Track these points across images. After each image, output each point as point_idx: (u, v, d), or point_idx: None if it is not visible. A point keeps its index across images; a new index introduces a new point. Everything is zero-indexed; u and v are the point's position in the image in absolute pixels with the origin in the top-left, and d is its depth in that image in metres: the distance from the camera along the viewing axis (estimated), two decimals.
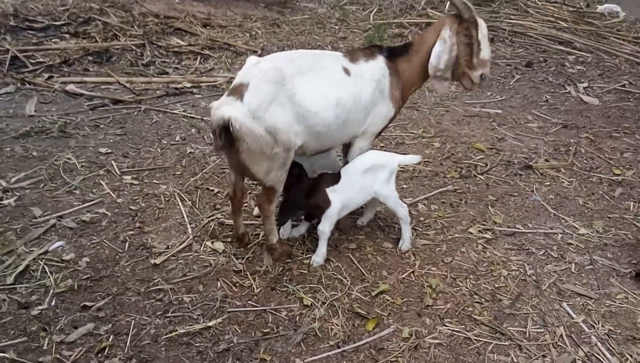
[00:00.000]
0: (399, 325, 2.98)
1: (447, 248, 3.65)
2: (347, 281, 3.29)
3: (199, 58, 7.00)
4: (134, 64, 6.60)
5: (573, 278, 3.44)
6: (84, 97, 5.58)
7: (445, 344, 2.88)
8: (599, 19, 9.97)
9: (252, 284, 3.23)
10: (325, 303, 3.10)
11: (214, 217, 3.80)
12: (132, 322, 2.90)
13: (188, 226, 3.72)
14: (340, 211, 3.38)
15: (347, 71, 3.23)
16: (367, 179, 3.40)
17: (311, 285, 3.24)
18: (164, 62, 6.81)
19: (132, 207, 3.88)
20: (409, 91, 3.57)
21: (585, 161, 4.96)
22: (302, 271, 3.36)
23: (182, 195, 4.06)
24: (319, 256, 3.41)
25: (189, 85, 6.11)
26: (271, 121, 2.94)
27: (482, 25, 3.33)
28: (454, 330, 2.97)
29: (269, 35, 8.33)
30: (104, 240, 3.53)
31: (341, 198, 3.35)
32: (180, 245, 3.52)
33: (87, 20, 7.82)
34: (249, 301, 3.10)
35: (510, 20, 9.69)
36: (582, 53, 8.39)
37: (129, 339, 2.79)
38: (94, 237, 3.56)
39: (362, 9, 10.27)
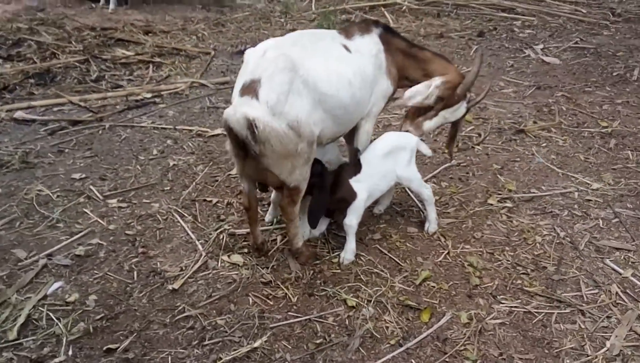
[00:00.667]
0: (453, 311, 2.81)
1: (472, 223, 3.52)
2: (386, 273, 3.09)
3: (151, 67, 6.56)
4: (82, 81, 6.08)
5: (605, 234, 3.39)
6: (37, 123, 5.05)
7: (508, 322, 2.73)
8: None
9: (286, 294, 2.95)
10: (370, 301, 2.88)
11: (222, 229, 3.49)
12: (169, 358, 2.56)
13: (197, 242, 3.38)
14: (366, 202, 3.17)
15: (347, 48, 3.04)
16: (388, 163, 3.20)
17: (349, 284, 3.01)
18: (114, 75, 6.32)
19: (128, 232, 3.50)
20: (404, 73, 3.34)
21: (570, 118, 4.98)
22: (334, 271, 3.12)
23: (180, 211, 3.71)
24: (349, 252, 3.18)
25: (149, 95, 5.68)
26: (292, 115, 2.68)
27: (460, 111, 3.40)
28: (512, 307, 2.83)
29: (217, 35, 7.96)
30: (108, 273, 3.14)
31: (366, 187, 3.14)
32: (194, 264, 3.19)
33: (18, 42, 7.17)
34: (289, 313, 2.83)
35: None
36: (527, 17, 8.56)
37: None
38: (95, 271, 3.16)
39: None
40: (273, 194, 3.53)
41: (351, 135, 3.37)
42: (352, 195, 3.11)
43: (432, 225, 3.42)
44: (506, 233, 3.42)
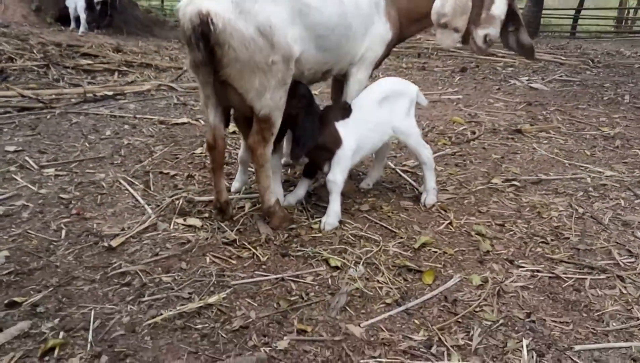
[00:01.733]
0: (463, 274, 2.23)
1: (476, 199, 3.00)
2: (377, 238, 2.51)
3: (116, 74, 6.10)
4: (39, 82, 5.55)
5: (629, 211, 2.90)
6: None
7: (532, 286, 2.17)
8: None
9: (254, 253, 2.34)
10: (359, 262, 2.28)
11: (179, 196, 2.88)
12: (92, 313, 1.90)
13: (146, 207, 2.77)
14: (353, 155, 2.63)
15: None
16: (383, 112, 2.70)
17: (333, 247, 2.41)
18: (75, 78, 5.82)
19: (62, 196, 2.87)
20: (407, 23, 2.88)
21: (568, 125, 4.64)
22: (313, 235, 2.53)
23: (130, 180, 3.11)
24: (332, 215, 2.59)
25: (110, 93, 5.17)
26: (263, 17, 2.17)
27: None
28: (534, 270, 2.27)
29: None
30: (28, 231, 2.49)
31: (355, 134, 2.61)
32: (140, 225, 2.56)
33: None
34: (257, 272, 2.21)
35: (429, 40, 9.78)
36: (508, 60, 8.51)
37: (90, 334, 1.79)
38: (13, 229, 2.51)
39: None
40: (241, 152, 2.96)
41: (341, 88, 2.89)
42: (337, 142, 2.58)
43: (430, 196, 2.88)
44: (516, 208, 2.91)
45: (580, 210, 2.89)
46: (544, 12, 14.89)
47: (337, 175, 2.57)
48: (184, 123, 4.26)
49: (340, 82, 2.91)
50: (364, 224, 2.66)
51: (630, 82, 6.65)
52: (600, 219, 2.78)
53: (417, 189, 3.12)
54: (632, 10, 17.75)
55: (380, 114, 2.68)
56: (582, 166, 3.57)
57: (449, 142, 4.02)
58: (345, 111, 2.65)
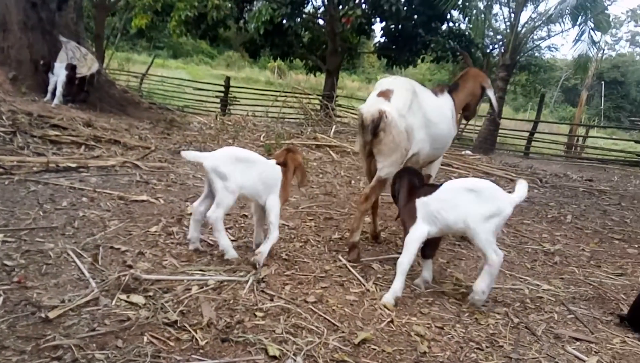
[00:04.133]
0: None
1: (420, 301, 3.09)
2: (320, 330, 2.54)
3: (83, 147, 6.16)
4: (3, 148, 5.55)
5: (562, 325, 3.04)
6: None
7: None
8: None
9: (194, 337, 2.33)
10: (298, 354, 2.30)
11: (126, 273, 2.87)
12: None
13: (91, 280, 2.75)
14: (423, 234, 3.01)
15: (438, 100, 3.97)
16: (464, 201, 2.94)
17: (275, 336, 2.43)
18: (41, 147, 5.85)
19: (6, 262, 2.83)
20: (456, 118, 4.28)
21: (512, 238, 4.88)
22: (256, 322, 2.55)
23: (78, 252, 3.10)
24: (390, 291, 2.99)
25: (73, 165, 5.20)
26: (409, 122, 3.51)
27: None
28: None
29: (160, 139, 7.78)
30: None
31: (429, 214, 3.00)
32: (81, 298, 2.54)
33: None
34: (193, 355, 2.20)
35: None
36: (462, 171, 8.98)
37: None
38: None
39: (251, 133, 10.26)
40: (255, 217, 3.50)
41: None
42: (412, 216, 3.01)
43: (474, 296, 3.03)
44: (456, 312, 3.01)
45: (516, 320, 3.00)
46: (500, 131, 15.94)
47: (402, 256, 2.99)
48: (143, 201, 4.30)
49: None
50: (309, 315, 2.70)
51: (574, 204, 7.09)
52: (534, 331, 2.90)
53: (364, 285, 3.20)
54: (581, 138, 19.14)
55: (461, 201, 2.93)
56: (522, 278, 3.74)
57: (399, 242, 4.17)
58: (431, 187, 3.08)
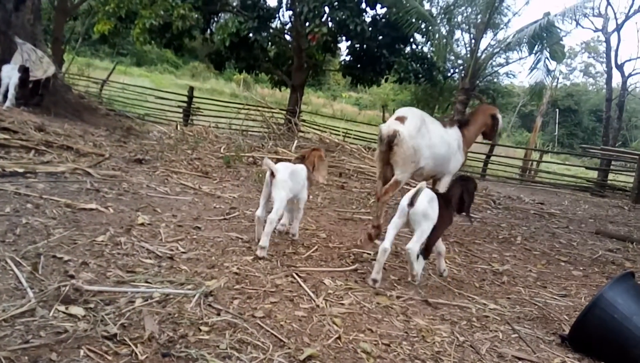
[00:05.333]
0: None
1: (368, 318, 3.10)
2: (265, 346, 2.51)
3: (33, 152, 5.96)
4: None
5: (505, 345, 3.09)
6: None
7: None
8: None
9: (134, 351, 2.26)
10: None
11: (66, 283, 2.77)
12: None
13: (29, 290, 2.64)
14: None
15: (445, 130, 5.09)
16: None
17: (219, 351, 2.38)
18: None
19: None
20: (468, 148, 5.46)
21: (464, 257, 4.97)
22: (200, 337, 2.49)
23: (18, 260, 2.97)
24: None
25: (20, 170, 5.02)
26: (417, 143, 4.58)
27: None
28: None
29: (116, 148, 7.60)
30: None
31: None
32: (17, 309, 2.43)
33: None
34: None
35: (352, 163, 10.36)
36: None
37: None
38: None
39: (212, 144, 10.15)
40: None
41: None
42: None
43: None
44: (404, 329, 3.02)
45: (462, 338, 3.04)
46: None
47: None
48: (91, 209, 4.17)
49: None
50: (256, 330, 2.66)
51: (524, 225, 7.29)
52: (478, 349, 2.94)
53: (315, 300, 3.18)
54: (535, 163, 19.77)
55: None
56: (470, 297, 3.80)
57: (351, 262, 4.17)
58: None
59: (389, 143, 4.46)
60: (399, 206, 3.70)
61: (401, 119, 4.56)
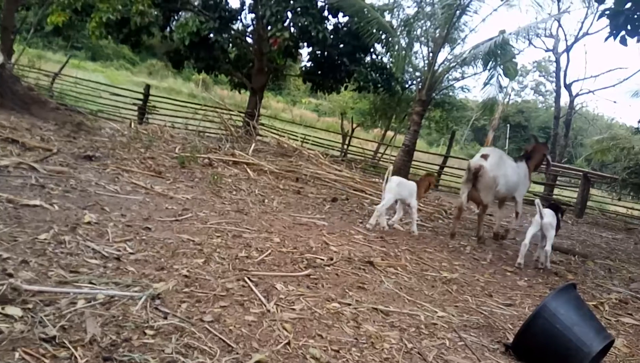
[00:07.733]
0: None
1: (319, 323, 3.09)
2: (213, 351, 2.46)
3: None
4: None
5: (452, 352, 3.14)
6: None
7: None
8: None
9: (73, 354, 2.17)
10: None
11: (4, 282, 2.64)
12: None
13: None
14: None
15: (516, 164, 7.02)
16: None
17: (163, 356, 2.32)
18: None
19: None
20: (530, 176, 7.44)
21: (415, 264, 5.04)
22: (145, 341, 2.42)
23: None
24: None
25: None
26: (495, 174, 6.44)
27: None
28: None
29: (65, 143, 7.34)
30: None
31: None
32: None
33: None
34: None
35: (309, 168, 10.37)
36: (374, 198, 9.20)
37: None
38: None
39: (167, 144, 9.96)
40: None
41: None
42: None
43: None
44: (354, 336, 3.03)
45: (410, 345, 3.08)
46: (413, 163, 16.57)
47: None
48: (35, 206, 4.01)
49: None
50: (204, 334, 2.61)
51: (474, 236, 7.46)
52: (425, 356, 2.98)
53: (265, 305, 3.15)
54: None
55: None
56: (419, 304, 3.86)
57: (304, 267, 4.16)
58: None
59: (475, 174, 6.33)
60: (534, 219, 5.90)
61: (485, 156, 6.51)
